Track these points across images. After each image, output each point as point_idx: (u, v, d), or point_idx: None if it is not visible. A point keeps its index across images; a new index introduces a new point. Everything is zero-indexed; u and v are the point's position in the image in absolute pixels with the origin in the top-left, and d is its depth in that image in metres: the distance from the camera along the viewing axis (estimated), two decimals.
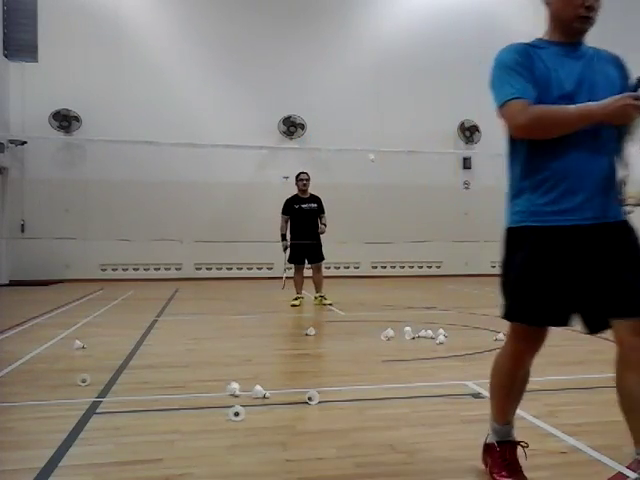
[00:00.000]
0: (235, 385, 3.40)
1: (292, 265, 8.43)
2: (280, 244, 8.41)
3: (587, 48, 2.16)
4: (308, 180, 8.40)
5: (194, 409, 3.16)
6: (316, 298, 8.43)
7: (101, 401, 3.29)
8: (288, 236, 8.39)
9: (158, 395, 3.47)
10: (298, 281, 8.44)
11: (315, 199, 8.39)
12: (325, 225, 8.28)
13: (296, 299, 8.31)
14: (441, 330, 5.29)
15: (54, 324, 6.45)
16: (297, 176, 8.50)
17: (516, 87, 1.98)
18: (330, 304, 8.21)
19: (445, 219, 14.96)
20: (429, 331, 5.35)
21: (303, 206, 8.30)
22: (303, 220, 8.29)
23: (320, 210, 8.36)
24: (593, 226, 1.98)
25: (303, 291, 8.46)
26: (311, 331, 5.56)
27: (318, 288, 8.45)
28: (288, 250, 8.40)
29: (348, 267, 13.90)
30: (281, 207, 8.46)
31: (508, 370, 2.21)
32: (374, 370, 4.15)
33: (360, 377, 3.94)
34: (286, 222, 8.38)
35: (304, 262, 8.46)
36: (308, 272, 8.57)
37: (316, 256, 8.38)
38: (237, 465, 2.37)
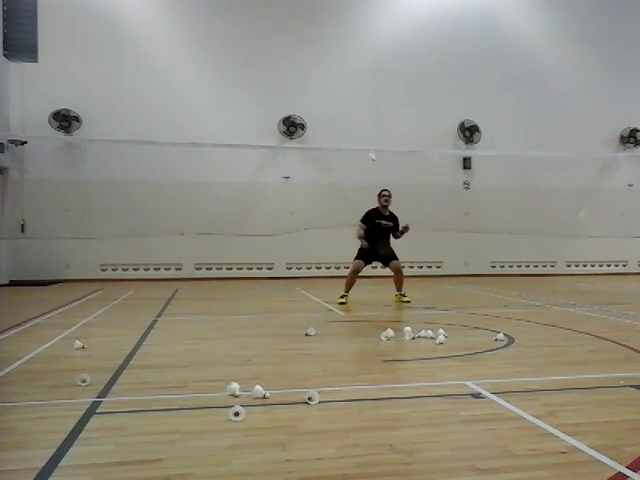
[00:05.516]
0: (235, 385, 3.39)
1: None
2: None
3: None
4: (390, 197, 8.67)
5: (194, 409, 3.16)
6: (396, 295, 8.64)
7: (101, 401, 3.29)
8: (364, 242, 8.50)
9: (158, 395, 3.47)
10: (351, 280, 8.56)
11: (393, 218, 8.66)
12: (402, 233, 8.56)
13: (343, 297, 8.40)
14: (441, 330, 5.29)
15: (54, 324, 6.44)
16: (380, 192, 8.75)
17: None
18: (408, 301, 8.43)
19: (445, 219, 14.96)
20: (429, 331, 5.35)
21: (382, 222, 8.59)
22: (379, 233, 8.56)
23: (395, 228, 8.62)
24: None
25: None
26: (311, 331, 5.55)
27: (398, 287, 8.67)
28: (363, 243, 8.49)
29: (348, 267, 13.88)
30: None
31: None
32: (374, 370, 4.15)
33: (360, 377, 3.94)
34: (364, 230, 8.51)
35: (369, 262, 8.65)
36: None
37: (391, 256, 8.58)
38: (237, 465, 2.37)
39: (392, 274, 8.72)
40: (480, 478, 2.24)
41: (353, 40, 14.80)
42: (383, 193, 8.69)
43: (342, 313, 7.45)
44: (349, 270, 8.71)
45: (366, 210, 8.76)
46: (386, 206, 8.62)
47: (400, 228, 8.57)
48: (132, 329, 6.00)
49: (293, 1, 14.61)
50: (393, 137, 14.38)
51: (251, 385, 3.39)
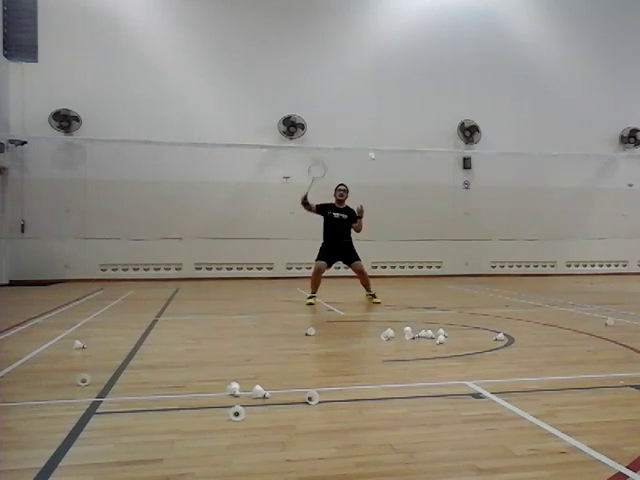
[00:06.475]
0: (235, 385, 3.39)
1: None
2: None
3: None
4: (345, 192, 8.61)
5: (194, 409, 3.16)
6: (367, 296, 8.60)
7: (101, 401, 3.29)
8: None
9: (158, 395, 3.46)
10: (315, 281, 8.49)
11: (348, 211, 8.56)
12: (359, 217, 8.43)
13: (311, 297, 8.35)
14: (441, 330, 5.28)
15: (54, 324, 6.44)
16: (336, 187, 8.68)
17: None
18: (379, 302, 8.37)
19: (445, 219, 14.97)
20: (429, 331, 5.34)
21: (334, 214, 8.53)
22: (334, 227, 8.52)
23: (351, 221, 8.54)
24: None
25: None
26: (311, 331, 5.55)
27: (367, 288, 8.63)
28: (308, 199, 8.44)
29: (348, 267, 13.86)
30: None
31: None
32: (374, 370, 4.15)
33: (360, 377, 3.94)
34: (311, 209, 8.47)
35: (331, 264, 8.59)
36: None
37: (351, 256, 8.55)
38: (237, 465, 2.37)
39: (360, 275, 8.64)
40: (480, 478, 2.24)
41: (353, 40, 14.80)
42: (338, 187, 8.63)
43: (342, 313, 7.45)
44: (312, 271, 8.59)
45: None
46: (341, 200, 8.55)
47: (357, 213, 8.45)
48: (132, 329, 6.00)
49: (293, 1, 14.61)
50: (393, 137, 14.39)
51: (251, 385, 3.39)
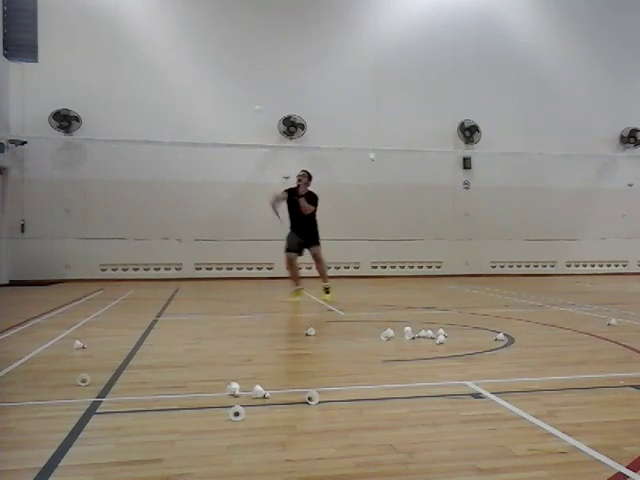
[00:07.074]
0: (235, 385, 3.39)
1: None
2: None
3: None
4: (304, 177, 8.61)
5: (194, 409, 3.15)
6: (322, 287, 8.58)
7: (101, 401, 3.29)
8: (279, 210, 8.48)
9: (158, 395, 3.46)
10: (292, 274, 8.50)
11: (307, 195, 8.52)
12: (306, 205, 8.37)
13: (297, 291, 8.31)
14: (441, 330, 5.28)
15: (54, 324, 6.44)
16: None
17: None
18: (327, 299, 8.32)
19: (445, 219, 14.97)
20: (429, 331, 5.34)
21: (295, 197, 8.55)
22: (294, 210, 8.53)
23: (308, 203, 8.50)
24: None
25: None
26: (311, 331, 5.55)
27: (322, 277, 8.62)
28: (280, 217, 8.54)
29: (348, 267, 13.87)
30: (280, 207, 8.58)
31: None
32: (374, 370, 4.15)
33: (360, 377, 3.94)
34: (282, 198, 8.53)
35: (300, 251, 8.58)
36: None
37: (311, 240, 8.49)
38: (237, 465, 2.37)
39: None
40: (480, 478, 2.24)
41: (353, 40, 14.80)
42: (298, 173, 8.67)
43: (342, 313, 7.45)
44: (284, 266, 8.59)
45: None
46: (300, 186, 8.57)
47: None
48: (132, 329, 6.00)
49: (293, 1, 14.61)
50: (393, 137, 14.39)
51: (251, 385, 3.39)
